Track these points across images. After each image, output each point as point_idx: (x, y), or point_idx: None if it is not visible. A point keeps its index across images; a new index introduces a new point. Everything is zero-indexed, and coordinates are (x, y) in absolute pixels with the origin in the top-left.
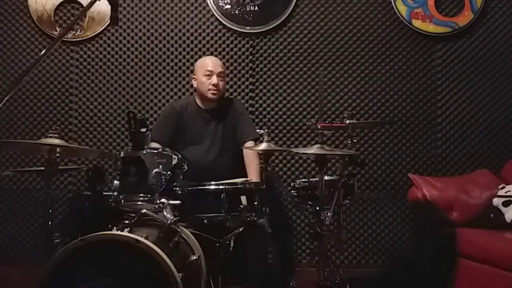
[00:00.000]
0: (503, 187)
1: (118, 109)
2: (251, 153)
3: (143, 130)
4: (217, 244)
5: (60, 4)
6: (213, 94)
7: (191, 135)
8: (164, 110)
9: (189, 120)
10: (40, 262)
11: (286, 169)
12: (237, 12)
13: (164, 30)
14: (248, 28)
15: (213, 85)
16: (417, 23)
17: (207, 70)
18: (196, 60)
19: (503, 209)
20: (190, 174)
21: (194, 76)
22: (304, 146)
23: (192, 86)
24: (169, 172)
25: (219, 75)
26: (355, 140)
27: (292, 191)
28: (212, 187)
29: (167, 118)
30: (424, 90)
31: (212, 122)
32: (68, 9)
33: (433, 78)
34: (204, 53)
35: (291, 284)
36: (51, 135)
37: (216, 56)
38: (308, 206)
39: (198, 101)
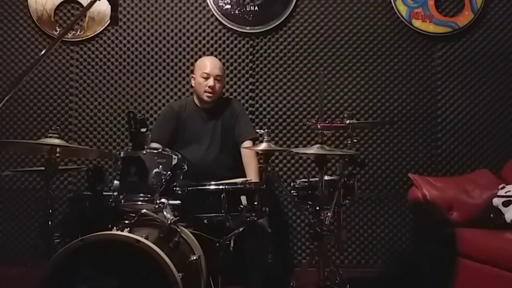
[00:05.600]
0: (503, 187)
1: (118, 109)
2: (249, 153)
3: (143, 130)
4: (217, 244)
5: (60, 4)
6: (208, 96)
7: (190, 135)
8: (163, 111)
9: (188, 119)
10: (40, 262)
11: (286, 169)
12: (237, 12)
13: (164, 30)
14: (248, 28)
15: (209, 87)
16: (417, 23)
17: (205, 72)
18: (196, 60)
19: (503, 209)
20: (190, 173)
21: (193, 76)
22: (304, 146)
23: (192, 86)
24: (169, 172)
25: (216, 78)
26: (355, 140)
27: (292, 191)
28: (212, 187)
29: (166, 119)
30: (424, 90)
31: (211, 121)
32: (68, 9)
33: (433, 78)
34: (204, 53)
35: (291, 284)
36: (51, 135)
37: (216, 56)
38: (308, 206)
39: (196, 101)
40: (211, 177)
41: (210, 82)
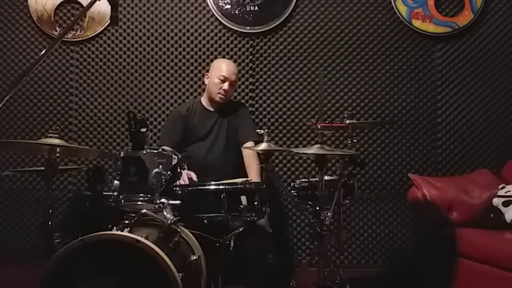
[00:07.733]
0: (503, 187)
1: (118, 109)
2: (250, 154)
3: (143, 130)
4: (217, 244)
5: (60, 4)
6: (220, 98)
7: (198, 134)
8: (170, 115)
9: (196, 120)
10: (40, 262)
11: (286, 169)
12: (237, 12)
13: (164, 30)
14: (248, 28)
15: (223, 90)
16: (417, 23)
17: (222, 75)
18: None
19: (503, 209)
20: (195, 170)
21: (208, 74)
22: (304, 146)
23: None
24: (169, 172)
25: (231, 83)
26: (355, 140)
27: (292, 191)
28: (212, 187)
29: (174, 124)
30: (424, 90)
31: (217, 121)
32: (68, 9)
33: (433, 78)
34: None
35: (291, 284)
36: (51, 135)
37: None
38: (308, 206)
39: (204, 100)
40: (215, 174)
41: (225, 86)
